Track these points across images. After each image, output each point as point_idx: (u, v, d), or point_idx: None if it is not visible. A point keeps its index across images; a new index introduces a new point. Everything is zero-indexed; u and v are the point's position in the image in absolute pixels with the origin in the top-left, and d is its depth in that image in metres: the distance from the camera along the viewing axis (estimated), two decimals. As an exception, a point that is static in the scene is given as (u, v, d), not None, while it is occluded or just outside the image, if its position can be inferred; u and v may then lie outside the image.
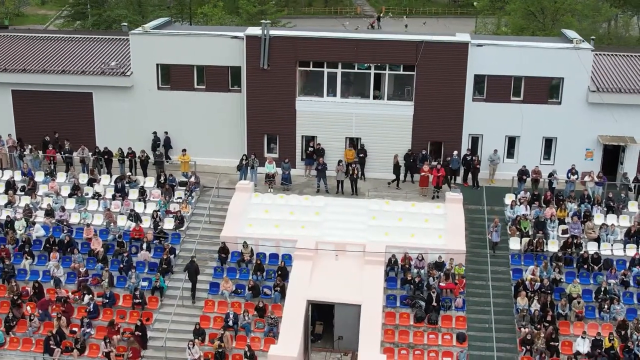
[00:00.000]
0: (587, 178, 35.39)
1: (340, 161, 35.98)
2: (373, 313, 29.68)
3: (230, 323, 29.85)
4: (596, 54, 38.25)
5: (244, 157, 36.36)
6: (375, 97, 36.90)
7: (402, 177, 36.73)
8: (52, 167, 37.04)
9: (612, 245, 32.50)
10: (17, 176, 36.75)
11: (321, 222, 33.70)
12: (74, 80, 38.30)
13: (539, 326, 29.42)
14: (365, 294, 30.30)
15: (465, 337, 29.60)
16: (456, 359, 29.03)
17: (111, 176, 36.67)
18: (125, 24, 48.95)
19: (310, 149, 37.25)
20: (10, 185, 35.94)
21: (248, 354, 28.52)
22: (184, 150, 36.88)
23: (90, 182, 36.22)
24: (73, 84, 38.37)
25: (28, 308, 30.89)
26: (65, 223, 33.89)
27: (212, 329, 30.02)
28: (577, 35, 38.89)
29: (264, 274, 31.86)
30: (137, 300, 30.79)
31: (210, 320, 30.40)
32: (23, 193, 35.86)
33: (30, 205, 34.84)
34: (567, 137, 36.73)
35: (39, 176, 36.71)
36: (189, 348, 28.73)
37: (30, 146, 37.49)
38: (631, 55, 39.96)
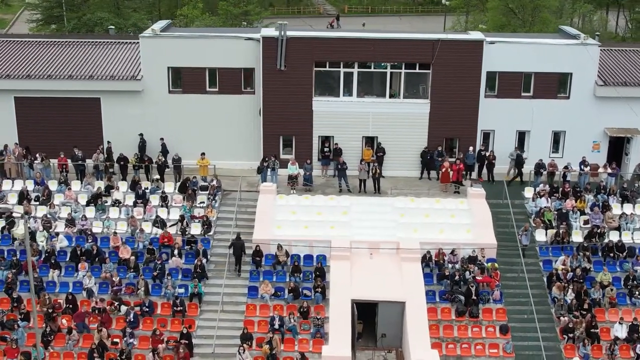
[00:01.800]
0: (601, 169, 36.60)
1: (362, 160, 36.19)
2: (418, 309, 30.04)
3: (276, 326, 29.69)
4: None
5: (265, 159, 36.14)
6: (391, 96, 37.23)
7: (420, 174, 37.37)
8: (65, 176, 35.97)
9: (632, 233, 33.71)
10: (29, 185, 35.54)
11: (350, 222, 33.81)
12: (81, 85, 37.30)
13: (577, 314, 30.32)
14: (407, 291, 30.62)
15: (508, 329, 30.26)
16: (502, 351, 29.64)
17: (128, 183, 35.92)
18: (113, 27, 48.22)
19: (326, 149, 37.30)
20: (24, 195, 34.77)
21: (299, 356, 28.40)
22: (203, 154, 36.37)
23: (108, 189, 35.37)
24: (80, 90, 37.36)
25: (64, 321, 30.02)
26: (89, 232, 33.02)
27: (257, 333, 29.79)
28: (577, 31, 40.13)
29: (301, 275, 31.80)
30: (178, 308, 30.27)
31: (254, 324, 30.15)
32: (38, 203, 34.75)
33: (49, 215, 33.81)
34: (575, 130, 37.87)
35: (52, 185, 35.64)
36: (240, 353, 28.46)
37: (42, 154, 36.29)
38: (626, 50, 41.45)
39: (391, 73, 36.90)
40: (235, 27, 57.90)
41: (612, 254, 32.74)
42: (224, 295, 31.06)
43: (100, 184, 35.73)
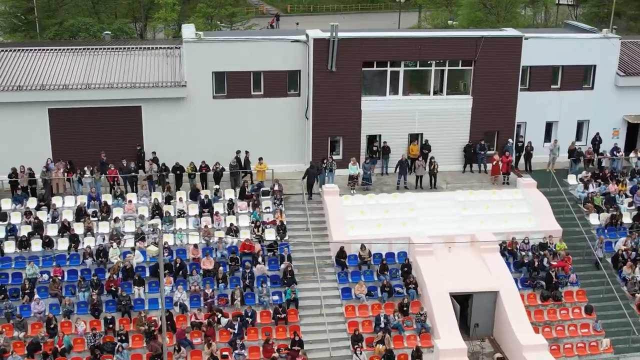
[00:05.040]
0: (632, 154, 39.16)
1: (419, 157, 36.91)
2: (513, 297, 31.19)
3: (382, 325, 29.96)
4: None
5: (323, 161, 36.15)
6: (434, 93, 38.16)
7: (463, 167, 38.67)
8: (119, 189, 34.53)
9: (672, 213, 36.41)
10: (80, 201, 33.89)
11: (418, 218, 34.47)
12: (121, 94, 35.83)
13: (649, 290, 32.53)
14: (498, 280, 31.69)
15: (592, 308, 31.96)
16: (593, 330, 31.28)
17: (185, 192, 34.95)
18: (109, 32, 46.52)
19: (375, 148, 37.69)
20: (81, 212, 33.11)
21: (416, 353, 28.86)
22: (260, 158, 35.91)
23: (168, 200, 34.29)
24: (119, 98, 35.89)
25: (166, 339, 28.92)
26: (166, 245, 31.94)
27: (364, 334, 29.94)
28: (587, 26, 42.68)
29: (389, 273, 32.21)
30: (281, 315, 29.92)
31: (358, 324, 30.26)
32: (96, 219, 33.22)
33: (115, 231, 32.41)
34: (598, 118, 40.29)
35: (107, 199, 34.13)
36: (357, 355, 28.57)
37: (90, 167, 34.61)
38: (627, 42, 44.28)
39: (426, 71, 37.72)
40: (214, 30, 56.84)
41: (661, 232, 35.24)
42: (326, 299, 31.00)
43: (156, 195, 34.57)
